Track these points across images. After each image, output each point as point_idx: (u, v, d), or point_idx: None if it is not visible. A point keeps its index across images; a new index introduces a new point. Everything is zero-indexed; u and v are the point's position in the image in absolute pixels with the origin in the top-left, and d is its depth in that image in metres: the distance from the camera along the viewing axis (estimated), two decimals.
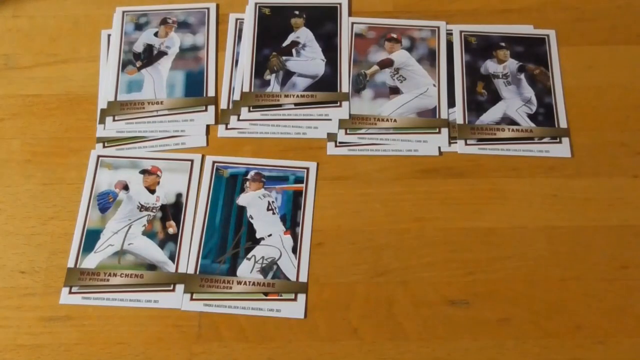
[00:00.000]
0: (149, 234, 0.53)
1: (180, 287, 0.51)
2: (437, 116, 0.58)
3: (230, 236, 0.53)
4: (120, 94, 0.59)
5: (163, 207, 0.54)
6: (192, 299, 0.50)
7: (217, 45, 0.61)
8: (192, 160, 0.56)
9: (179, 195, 0.54)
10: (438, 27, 0.62)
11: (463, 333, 0.49)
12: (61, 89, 0.59)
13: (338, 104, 0.58)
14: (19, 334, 0.49)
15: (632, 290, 0.50)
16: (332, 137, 0.57)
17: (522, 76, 0.59)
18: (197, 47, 0.61)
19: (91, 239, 0.53)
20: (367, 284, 0.51)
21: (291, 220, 0.53)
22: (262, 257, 0.52)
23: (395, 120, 0.57)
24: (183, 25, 0.62)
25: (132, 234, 0.53)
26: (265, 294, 0.51)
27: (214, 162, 0.56)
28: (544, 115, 0.58)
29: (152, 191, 0.55)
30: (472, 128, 0.57)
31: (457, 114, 0.58)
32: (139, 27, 0.62)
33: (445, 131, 0.57)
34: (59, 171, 0.56)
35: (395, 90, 0.59)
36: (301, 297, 0.50)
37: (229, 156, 0.56)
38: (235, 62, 0.60)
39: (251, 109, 0.58)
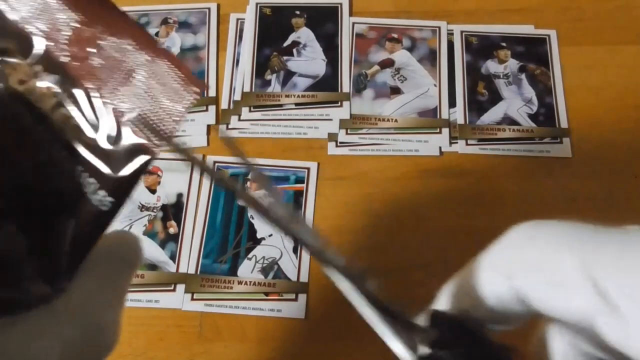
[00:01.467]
0: (149, 233, 0.53)
1: (181, 287, 0.51)
2: (438, 116, 0.58)
3: (231, 236, 0.53)
4: None
5: (164, 207, 0.54)
6: (192, 299, 0.50)
7: (218, 45, 0.61)
8: None
9: (179, 195, 0.55)
10: (439, 27, 0.62)
11: None
12: None
13: (339, 104, 0.58)
14: None
15: None
16: (332, 137, 0.57)
17: (523, 76, 0.59)
18: (198, 47, 0.61)
19: None
20: None
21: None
22: (263, 257, 0.52)
23: (396, 120, 0.57)
24: (184, 25, 0.62)
25: None
26: (266, 294, 0.51)
27: (214, 162, 0.56)
28: (544, 115, 0.58)
29: (153, 191, 0.55)
30: (472, 128, 0.57)
31: (458, 114, 0.58)
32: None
33: (446, 131, 0.57)
34: None
35: (396, 90, 0.59)
36: (302, 297, 0.50)
37: (230, 156, 0.56)
38: (236, 62, 0.60)
39: (252, 109, 0.58)
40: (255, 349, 0.49)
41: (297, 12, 0.62)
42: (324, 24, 0.62)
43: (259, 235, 0.53)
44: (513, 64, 0.60)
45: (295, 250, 0.52)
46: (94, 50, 0.25)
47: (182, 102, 0.24)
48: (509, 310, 0.24)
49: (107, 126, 0.24)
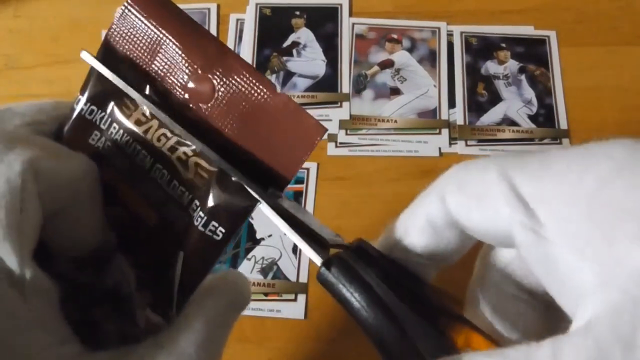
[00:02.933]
0: None
1: None
2: (438, 117, 0.58)
3: None
4: None
5: None
6: None
7: None
8: None
9: None
10: (439, 28, 0.62)
11: None
12: (62, 90, 0.59)
13: (338, 105, 0.58)
14: None
15: None
16: (332, 137, 0.57)
17: (523, 77, 0.59)
18: None
19: None
20: None
21: None
22: (262, 258, 0.52)
23: (395, 121, 0.57)
24: None
25: None
26: (266, 294, 0.51)
27: None
28: (544, 116, 0.58)
29: None
30: (472, 129, 0.57)
31: (458, 115, 0.58)
32: None
33: (445, 132, 0.57)
34: None
35: (395, 91, 0.59)
36: (301, 298, 0.50)
37: None
38: None
39: None
40: (254, 349, 0.49)
41: (297, 13, 0.62)
42: (324, 24, 0.62)
43: (258, 236, 0.53)
44: (513, 65, 0.60)
45: (294, 251, 0.52)
46: (213, 92, 0.25)
47: (299, 149, 0.25)
48: (440, 237, 0.25)
49: (224, 164, 0.25)
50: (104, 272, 0.27)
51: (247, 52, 0.60)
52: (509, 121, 0.58)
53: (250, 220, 0.54)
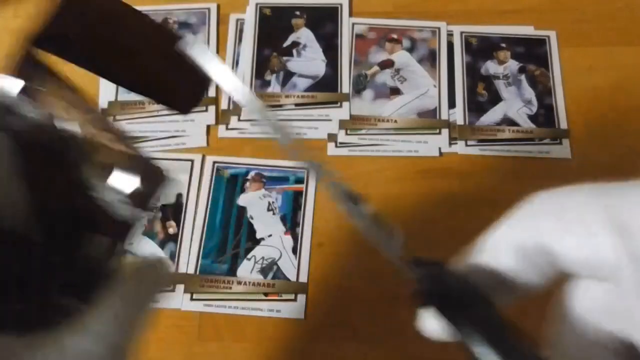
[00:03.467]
0: (148, 233, 0.53)
1: (180, 287, 0.51)
2: (438, 117, 0.58)
3: (231, 236, 0.53)
4: (121, 94, 0.59)
5: (163, 207, 0.54)
6: (192, 299, 0.50)
7: (218, 46, 0.61)
8: (192, 161, 0.56)
9: (179, 196, 0.55)
10: (439, 28, 0.62)
11: None
12: None
13: (338, 105, 0.58)
14: None
15: None
16: (332, 137, 0.57)
17: (523, 77, 0.59)
18: None
19: None
20: (367, 285, 0.51)
21: (291, 221, 0.53)
22: (262, 258, 0.52)
23: (395, 121, 0.57)
24: (184, 26, 0.62)
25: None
26: (265, 294, 0.51)
27: (214, 163, 0.56)
28: (544, 116, 0.58)
29: None
30: (472, 129, 0.57)
31: (458, 115, 0.58)
32: None
33: (445, 132, 0.57)
34: None
35: (395, 91, 0.59)
36: (301, 298, 0.50)
37: (229, 156, 0.56)
38: (236, 62, 0.60)
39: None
40: (254, 349, 0.49)
41: (297, 13, 0.62)
42: (324, 24, 0.62)
43: (258, 236, 0.53)
44: (513, 65, 0.60)
45: (294, 251, 0.52)
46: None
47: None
48: (529, 263, 0.24)
49: (130, 148, 0.26)
50: (14, 253, 0.27)
51: (247, 52, 0.60)
52: (508, 121, 0.58)
53: (250, 220, 0.54)
